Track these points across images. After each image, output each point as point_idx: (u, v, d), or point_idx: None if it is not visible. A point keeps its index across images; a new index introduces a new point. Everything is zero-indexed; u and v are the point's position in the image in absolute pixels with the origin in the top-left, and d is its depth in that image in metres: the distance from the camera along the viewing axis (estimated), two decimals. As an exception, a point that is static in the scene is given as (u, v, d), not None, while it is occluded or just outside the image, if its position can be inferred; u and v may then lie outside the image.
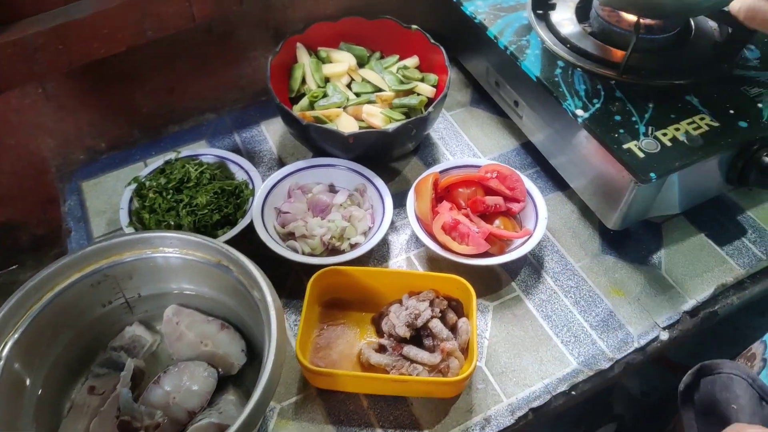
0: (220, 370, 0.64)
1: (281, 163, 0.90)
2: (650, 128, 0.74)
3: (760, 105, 0.77)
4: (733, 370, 0.64)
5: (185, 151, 0.84)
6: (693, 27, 0.88)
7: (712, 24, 0.89)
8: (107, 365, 0.64)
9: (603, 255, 0.81)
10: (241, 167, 0.83)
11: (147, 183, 0.79)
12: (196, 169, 0.79)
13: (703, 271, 0.79)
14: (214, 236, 0.74)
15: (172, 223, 0.74)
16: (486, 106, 0.99)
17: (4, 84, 0.66)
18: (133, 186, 0.80)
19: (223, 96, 0.96)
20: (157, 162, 0.82)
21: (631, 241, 0.82)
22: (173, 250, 0.64)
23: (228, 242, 0.65)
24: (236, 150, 0.90)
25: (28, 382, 0.59)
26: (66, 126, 0.87)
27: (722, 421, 0.62)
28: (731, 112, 0.77)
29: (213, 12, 0.75)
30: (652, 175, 0.69)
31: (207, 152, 0.85)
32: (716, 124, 0.75)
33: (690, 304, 0.76)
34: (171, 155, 0.83)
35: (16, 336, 0.57)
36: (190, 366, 0.63)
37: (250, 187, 0.81)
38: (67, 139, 0.88)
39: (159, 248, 0.63)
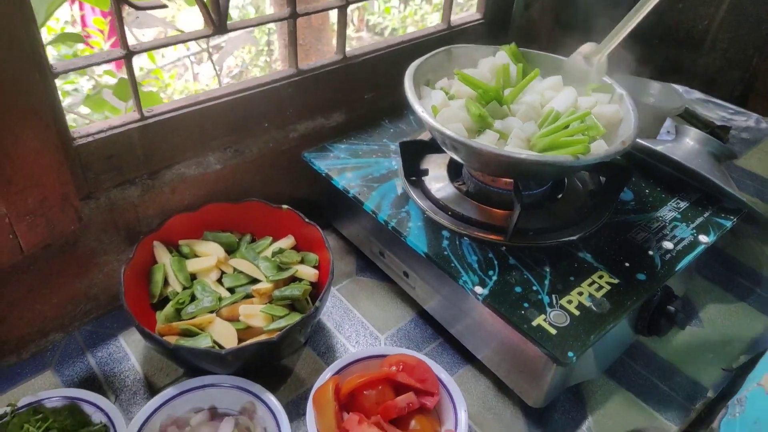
0: None
1: (149, 386, 0.76)
2: (554, 297, 0.71)
3: (651, 252, 0.78)
4: None
5: (24, 399, 0.68)
6: (566, 179, 0.89)
7: (583, 174, 0.91)
8: None
9: (531, 434, 0.74)
10: (98, 407, 0.68)
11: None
12: (36, 425, 0.63)
13: (635, 434, 0.74)
14: None
15: None
16: (372, 273, 0.93)
17: None
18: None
19: (72, 311, 0.81)
20: (-15, 419, 0.65)
21: (557, 413, 0.76)
22: None
23: None
24: (91, 378, 0.75)
25: None
26: None
27: None
28: (627, 264, 0.76)
29: (45, 239, 0.63)
30: (571, 354, 0.64)
31: (52, 394, 0.68)
32: (616, 281, 0.73)
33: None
34: (3, 408, 0.66)
35: None
36: None
37: (111, 428, 0.66)
38: None
39: None
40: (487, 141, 0.75)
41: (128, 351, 0.80)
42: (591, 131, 0.75)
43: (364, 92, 1.01)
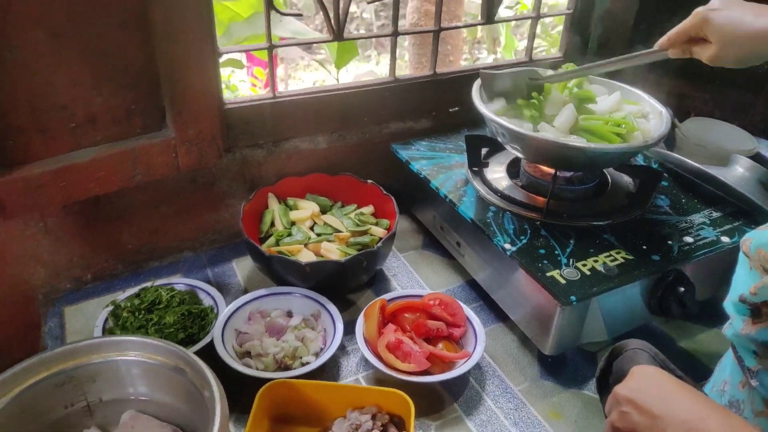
0: (165, 471, 0.67)
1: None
2: (571, 260, 0.86)
3: (670, 242, 0.89)
4: (638, 346, 0.68)
5: (160, 280, 0.94)
6: (610, 181, 1.04)
7: (627, 179, 1.05)
8: (59, 467, 0.67)
9: (542, 380, 0.87)
10: (209, 294, 0.92)
11: (122, 305, 0.87)
12: (167, 293, 0.88)
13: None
14: (177, 352, 0.80)
15: (140, 339, 0.81)
16: (435, 250, 1.11)
17: (10, 213, 0.78)
18: (110, 308, 0.88)
19: (202, 237, 1.08)
20: (134, 290, 0.91)
21: (567, 368, 0.89)
22: (135, 354, 0.70)
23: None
24: (207, 282, 1.00)
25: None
26: (59, 258, 0.97)
27: None
28: (644, 247, 0.88)
29: (195, 164, 0.90)
30: (572, 298, 0.79)
31: (179, 281, 0.94)
32: (631, 257, 0.86)
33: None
34: (148, 282, 0.93)
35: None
36: (136, 467, 0.66)
37: (215, 311, 0.89)
38: (57, 270, 0.98)
39: (122, 352, 0.70)
40: (531, 131, 0.92)
41: (237, 271, 1.04)
42: (627, 126, 0.90)
43: (450, 105, 1.22)
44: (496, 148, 1.10)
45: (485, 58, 3.82)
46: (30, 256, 0.95)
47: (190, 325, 0.85)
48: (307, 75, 3.84)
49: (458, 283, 1.04)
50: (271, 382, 0.75)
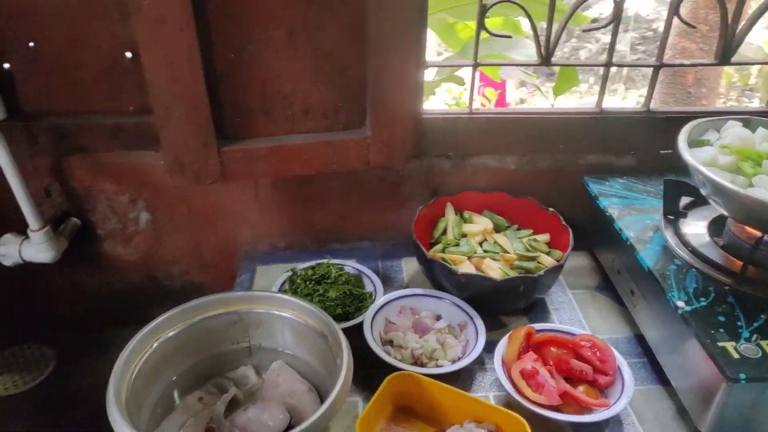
0: (293, 419, 0.75)
1: (407, 291, 1.05)
2: (755, 336, 0.75)
3: None
4: None
5: (335, 261, 1.04)
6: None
7: None
8: (217, 387, 0.80)
9: (691, 461, 0.78)
10: (372, 282, 1.00)
11: (299, 272, 1.00)
12: (336, 271, 0.98)
13: None
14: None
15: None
16: (609, 294, 1.05)
17: (230, 176, 0.94)
18: (289, 274, 1.01)
19: (381, 231, 1.16)
20: (312, 263, 1.03)
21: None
22: (293, 313, 0.80)
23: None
24: (375, 271, 1.08)
25: (163, 374, 0.77)
26: (262, 224, 1.14)
27: None
28: None
29: (384, 162, 0.98)
30: (742, 375, 0.69)
31: (350, 264, 1.04)
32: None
33: None
34: (324, 259, 1.04)
35: (169, 334, 0.77)
36: (273, 407, 0.75)
37: (373, 298, 0.97)
38: (259, 234, 1.15)
39: (283, 309, 0.81)
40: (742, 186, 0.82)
41: (403, 269, 1.11)
42: None
43: (662, 147, 1.13)
44: (700, 200, 1.00)
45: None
46: (241, 217, 1.13)
47: (348, 303, 0.94)
48: (537, 100, 3.81)
49: (624, 335, 0.97)
50: (403, 371, 0.80)
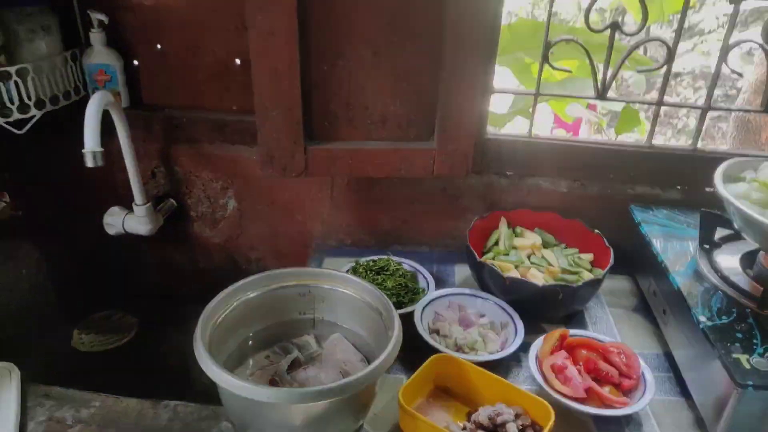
0: (344, 382, 0.87)
1: (456, 292, 1.16)
2: (769, 353, 0.82)
3: None
4: None
5: (395, 257, 1.17)
6: None
7: None
8: (283, 349, 0.93)
9: (703, 467, 0.84)
10: (426, 279, 1.12)
11: (362, 263, 1.13)
12: (395, 265, 1.11)
13: None
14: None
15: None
16: (644, 315, 1.12)
17: (311, 172, 1.09)
18: (353, 264, 1.14)
19: (439, 239, 1.28)
20: (374, 257, 1.17)
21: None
22: (354, 291, 0.93)
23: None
24: (430, 272, 1.19)
25: (239, 331, 0.91)
26: (333, 220, 1.28)
27: None
28: None
29: (446, 173, 1.10)
30: (750, 382, 0.76)
31: (408, 261, 1.16)
32: None
33: None
34: (385, 255, 1.17)
35: (249, 296, 0.91)
36: (329, 369, 0.88)
37: (425, 292, 1.08)
38: (329, 229, 1.29)
39: (347, 286, 0.94)
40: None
41: (455, 273, 1.22)
42: None
43: (707, 185, 1.20)
44: (736, 233, 1.06)
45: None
46: (316, 213, 1.28)
47: (403, 294, 1.06)
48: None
49: (655, 352, 1.04)
50: (445, 353, 0.91)
